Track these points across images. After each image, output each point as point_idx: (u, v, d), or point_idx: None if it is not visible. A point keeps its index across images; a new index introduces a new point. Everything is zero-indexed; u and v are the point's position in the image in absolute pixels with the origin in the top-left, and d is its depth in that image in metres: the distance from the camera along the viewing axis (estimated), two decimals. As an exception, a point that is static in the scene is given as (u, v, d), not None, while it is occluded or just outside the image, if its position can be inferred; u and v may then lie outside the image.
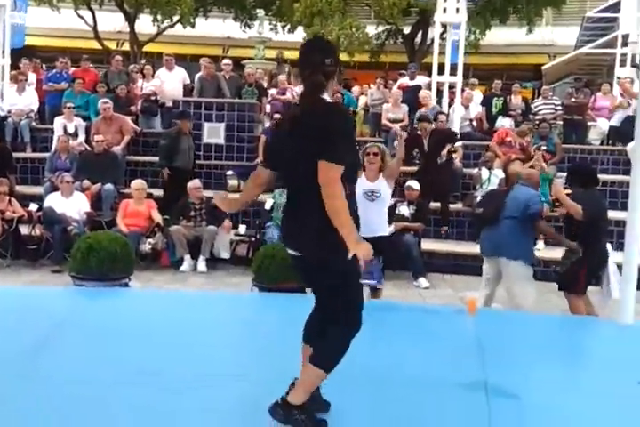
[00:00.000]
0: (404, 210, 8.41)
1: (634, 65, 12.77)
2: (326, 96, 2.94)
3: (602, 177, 10.03)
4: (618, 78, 12.68)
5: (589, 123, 11.76)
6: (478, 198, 8.63)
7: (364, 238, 5.48)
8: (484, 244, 5.86)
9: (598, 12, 16.03)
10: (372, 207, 5.47)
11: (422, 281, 7.92)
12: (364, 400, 3.41)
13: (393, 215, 8.50)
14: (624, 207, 9.65)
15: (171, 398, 3.33)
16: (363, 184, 5.43)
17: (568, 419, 3.33)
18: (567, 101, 11.59)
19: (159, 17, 19.22)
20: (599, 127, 11.73)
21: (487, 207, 5.63)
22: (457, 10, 10.86)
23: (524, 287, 5.65)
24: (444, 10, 10.97)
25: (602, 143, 11.88)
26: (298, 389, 2.96)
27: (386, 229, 5.84)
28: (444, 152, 9.23)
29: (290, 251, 2.99)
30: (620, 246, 8.86)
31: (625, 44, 14.05)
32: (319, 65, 2.91)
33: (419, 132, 9.43)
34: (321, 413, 3.10)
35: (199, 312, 4.99)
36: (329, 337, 2.96)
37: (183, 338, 4.28)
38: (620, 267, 7.83)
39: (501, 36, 21.30)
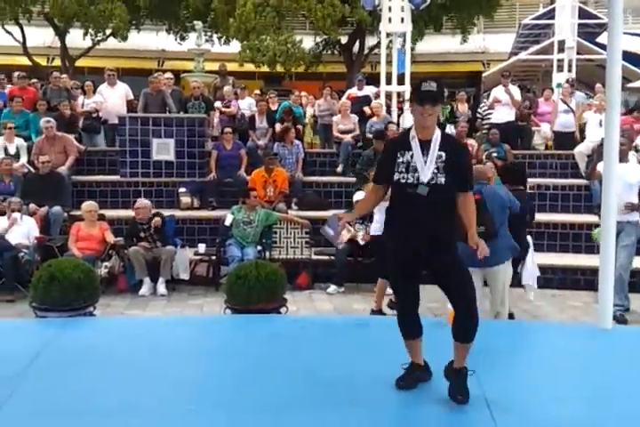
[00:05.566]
0: None
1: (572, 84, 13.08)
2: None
3: (552, 181, 10.34)
4: (559, 84, 13.00)
5: (533, 128, 11.97)
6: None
7: None
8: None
9: (533, 19, 16.46)
10: None
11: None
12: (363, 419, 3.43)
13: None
14: (575, 210, 9.96)
15: None
16: None
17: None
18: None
19: (91, 31, 18.72)
20: (543, 132, 11.96)
21: (485, 224, 5.05)
22: (402, 19, 10.88)
23: (506, 289, 5.61)
24: (390, 19, 10.96)
25: (546, 147, 12.13)
26: None
27: None
28: None
29: None
30: (571, 249, 9.11)
31: (561, 49, 14.47)
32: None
33: None
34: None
35: (182, 338, 4.84)
36: None
37: (175, 367, 4.12)
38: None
39: (435, 44, 21.68)
